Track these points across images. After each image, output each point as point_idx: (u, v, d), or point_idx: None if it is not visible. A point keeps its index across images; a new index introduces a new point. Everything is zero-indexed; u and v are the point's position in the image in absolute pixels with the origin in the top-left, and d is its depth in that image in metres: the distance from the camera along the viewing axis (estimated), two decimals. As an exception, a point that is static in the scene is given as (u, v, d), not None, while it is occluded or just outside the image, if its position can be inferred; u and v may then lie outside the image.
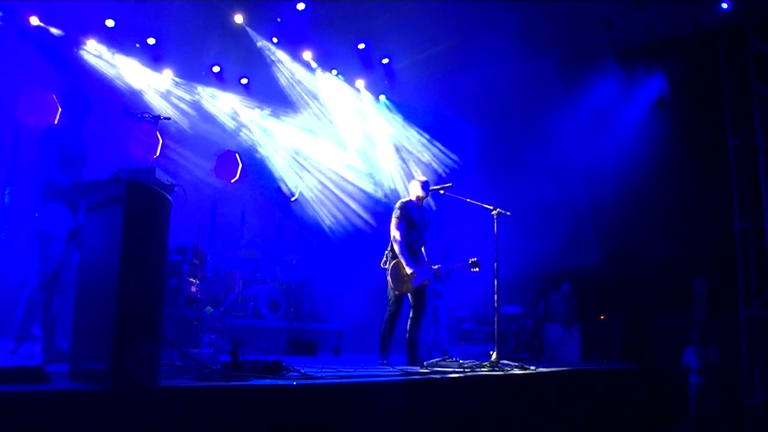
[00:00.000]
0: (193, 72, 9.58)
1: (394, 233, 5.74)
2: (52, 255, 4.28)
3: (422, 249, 6.00)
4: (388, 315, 5.72)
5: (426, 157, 10.83)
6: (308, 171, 11.00)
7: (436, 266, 5.91)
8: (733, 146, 8.76)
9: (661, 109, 8.86)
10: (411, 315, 5.77)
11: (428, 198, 6.26)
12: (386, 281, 5.78)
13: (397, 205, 5.90)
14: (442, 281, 8.30)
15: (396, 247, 5.70)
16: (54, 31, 8.13)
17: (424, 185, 6.04)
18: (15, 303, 4.27)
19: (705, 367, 7.96)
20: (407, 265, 5.62)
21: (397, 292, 5.68)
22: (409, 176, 10.21)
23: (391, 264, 5.70)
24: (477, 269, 5.88)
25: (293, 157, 10.89)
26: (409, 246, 5.77)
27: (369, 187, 11.20)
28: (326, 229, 10.82)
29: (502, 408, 4.37)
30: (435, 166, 10.71)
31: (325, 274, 10.15)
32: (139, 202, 2.63)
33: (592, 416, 5.30)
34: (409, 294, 5.74)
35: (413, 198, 6.01)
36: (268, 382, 3.17)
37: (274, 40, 9.68)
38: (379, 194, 11.15)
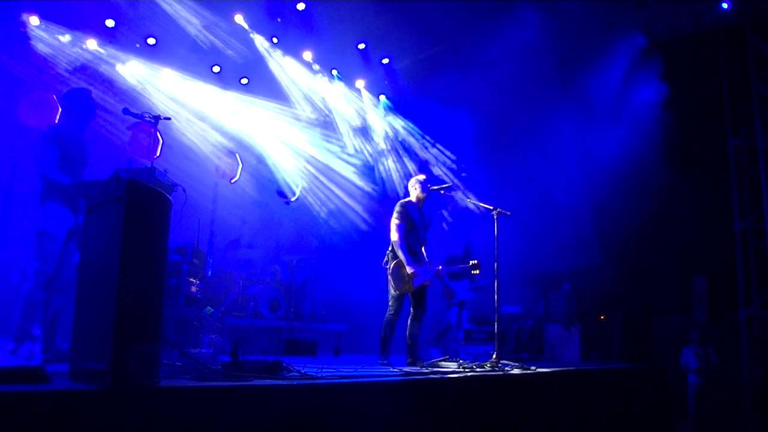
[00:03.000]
0: (193, 71, 9.58)
1: (394, 234, 5.74)
2: (52, 255, 4.28)
3: (423, 249, 6.00)
4: (388, 315, 5.73)
5: (425, 156, 10.84)
6: (308, 170, 11.00)
7: (438, 267, 5.94)
8: (733, 146, 8.76)
9: (661, 110, 8.86)
10: (411, 315, 5.78)
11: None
12: (387, 281, 5.79)
13: (397, 206, 5.90)
14: (456, 279, 8.33)
15: (396, 248, 5.71)
16: (54, 30, 8.12)
17: (424, 184, 6.02)
18: (15, 303, 4.27)
19: (704, 368, 7.96)
20: (408, 264, 5.62)
21: (397, 292, 5.69)
22: (409, 176, 10.22)
23: (392, 264, 5.71)
24: (477, 271, 5.92)
25: (294, 157, 10.89)
26: (410, 247, 5.77)
27: (369, 187, 11.20)
28: (326, 229, 10.82)
29: (502, 408, 4.37)
30: (434, 165, 10.72)
31: (325, 274, 10.14)
32: (139, 202, 2.62)
33: (592, 416, 5.30)
34: (409, 294, 5.74)
35: (413, 198, 6.01)
36: (268, 382, 3.17)
37: (274, 40, 9.68)
38: (379, 194, 11.15)
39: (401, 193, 10.39)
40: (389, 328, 5.70)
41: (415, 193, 6.01)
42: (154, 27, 8.74)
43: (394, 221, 5.78)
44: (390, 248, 5.80)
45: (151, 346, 2.61)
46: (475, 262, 5.91)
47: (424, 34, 9.34)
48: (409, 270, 5.61)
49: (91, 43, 8.48)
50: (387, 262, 5.79)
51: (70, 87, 5.87)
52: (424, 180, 6.09)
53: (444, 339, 8.57)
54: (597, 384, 5.79)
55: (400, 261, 5.67)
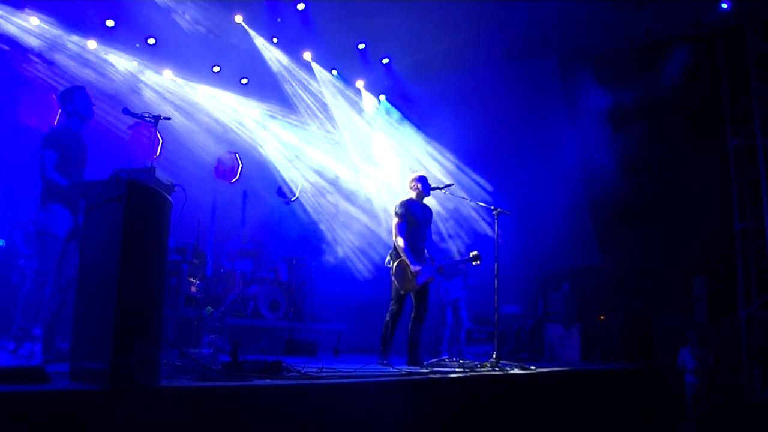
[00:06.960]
0: (193, 72, 9.58)
1: (396, 234, 5.71)
2: (52, 254, 4.30)
3: (425, 246, 5.94)
4: (390, 314, 5.71)
5: (425, 157, 10.83)
6: (308, 170, 10.99)
7: (439, 263, 5.89)
8: (733, 146, 8.75)
9: (661, 110, 8.86)
10: (413, 315, 5.74)
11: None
12: (389, 281, 5.76)
13: (397, 205, 5.86)
14: (448, 279, 8.31)
15: (399, 248, 5.67)
16: (54, 30, 8.12)
17: (422, 181, 5.97)
18: (15, 303, 4.28)
19: (701, 368, 7.94)
20: (412, 263, 5.59)
21: (402, 292, 5.67)
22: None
23: (395, 264, 5.68)
24: (478, 262, 5.85)
25: (293, 157, 10.89)
26: (413, 245, 5.73)
27: (369, 187, 11.20)
28: (326, 229, 10.81)
29: (502, 408, 4.37)
30: (435, 165, 10.71)
31: (325, 274, 10.13)
32: (139, 202, 2.62)
33: (592, 416, 5.30)
34: (412, 293, 5.71)
35: (413, 196, 5.97)
36: (268, 382, 3.17)
37: (274, 40, 9.68)
38: (378, 193, 11.14)
39: (400, 194, 10.36)
40: (391, 327, 5.68)
41: (415, 191, 5.98)
42: (154, 27, 8.73)
43: (395, 221, 5.74)
44: (393, 248, 5.78)
45: (151, 346, 2.61)
46: (476, 253, 5.86)
47: (424, 34, 9.32)
48: (414, 269, 5.57)
49: (91, 43, 8.48)
50: (390, 261, 5.77)
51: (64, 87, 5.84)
52: (423, 177, 6.03)
53: (447, 339, 8.57)
54: (597, 384, 5.79)
55: (403, 260, 5.65)
